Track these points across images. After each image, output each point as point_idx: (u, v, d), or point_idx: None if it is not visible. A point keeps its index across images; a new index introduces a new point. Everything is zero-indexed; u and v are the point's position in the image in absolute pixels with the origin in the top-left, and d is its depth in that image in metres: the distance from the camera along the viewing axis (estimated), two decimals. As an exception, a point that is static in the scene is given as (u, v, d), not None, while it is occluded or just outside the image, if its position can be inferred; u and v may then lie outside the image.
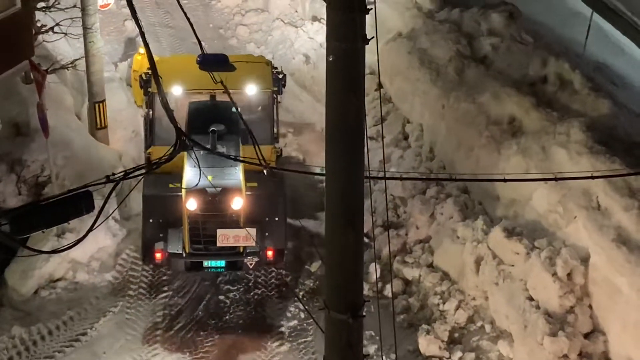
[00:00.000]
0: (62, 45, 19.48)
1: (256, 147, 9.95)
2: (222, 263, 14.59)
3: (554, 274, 13.10)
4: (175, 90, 15.21)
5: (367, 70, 7.04)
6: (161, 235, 14.45)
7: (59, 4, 18.09)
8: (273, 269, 15.70)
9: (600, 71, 16.88)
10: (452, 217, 15.40)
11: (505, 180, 10.20)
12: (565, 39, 18.12)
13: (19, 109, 17.12)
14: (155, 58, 9.16)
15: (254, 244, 14.01)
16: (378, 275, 15.01)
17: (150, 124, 15.48)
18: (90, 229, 7.82)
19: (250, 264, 14.56)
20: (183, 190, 13.90)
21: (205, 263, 14.57)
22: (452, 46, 17.86)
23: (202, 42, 10.21)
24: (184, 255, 14.35)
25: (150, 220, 14.54)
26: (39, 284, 15.23)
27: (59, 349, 14.19)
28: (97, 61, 17.93)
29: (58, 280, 15.42)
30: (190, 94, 15.31)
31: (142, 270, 15.81)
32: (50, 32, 17.97)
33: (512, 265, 13.94)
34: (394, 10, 20.20)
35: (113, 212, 14.43)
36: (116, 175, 7.80)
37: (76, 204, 7.70)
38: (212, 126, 14.29)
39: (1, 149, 16.20)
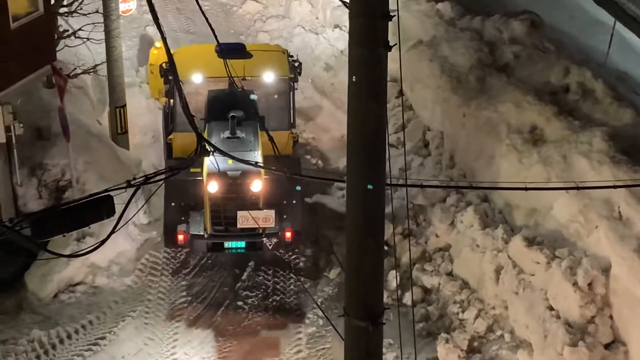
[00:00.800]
0: (83, 50, 19.57)
1: (275, 147, 10.12)
2: (242, 244, 15.04)
3: (575, 284, 13.01)
4: (196, 78, 15.65)
5: (387, 78, 7.01)
6: (183, 218, 14.93)
7: (81, 9, 18.19)
8: (291, 275, 15.76)
9: (623, 80, 16.76)
10: (472, 226, 15.32)
11: (526, 189, 10.16)
12: (588, 47, 18.01)
13: (40, 113, 17.20)
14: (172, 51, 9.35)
15: (273, 225, 14.45)
16: (397, 283, 14.97)
17: (171, 112, 15.95)
18: (112, 232, 7.83)
19: (270, 245, 15.02)
20: (204, 174, 14.28)
21: (226, 244, 15.04)
22: (473, 54, 17.79)
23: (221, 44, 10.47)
24: (206, 236, 14.83)
25: (172, 204, 15.07)
26: (59, 287, 15.30)
27: (78, 352, 14.23)
28: (119, 66, 18.02)
29: (77, 284, 15.49)
30: (210, 81, 15.70)
31: (161, 275, 15.85)
32: (72, 37, 18.06)
33: (533, 275, 13.85)
34: (415, 18, 20.15)
35: (133, 216, 14.53)
36: (137, 180, 7.82)
37: (97, 208, 7.73)
38: (232, 112, 14.71)
39: (23, 152, 16.26)
